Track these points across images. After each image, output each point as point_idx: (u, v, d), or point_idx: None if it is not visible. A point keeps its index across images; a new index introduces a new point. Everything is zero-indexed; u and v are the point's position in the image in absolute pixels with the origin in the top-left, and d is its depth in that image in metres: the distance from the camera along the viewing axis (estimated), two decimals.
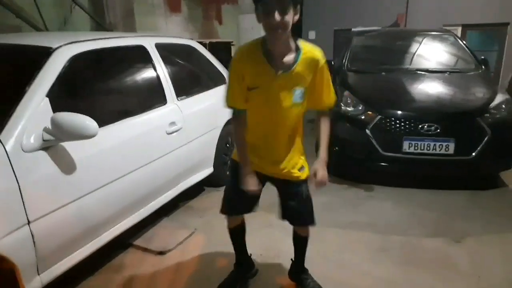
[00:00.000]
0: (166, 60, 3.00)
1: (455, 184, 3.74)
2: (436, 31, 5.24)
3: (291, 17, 1.55)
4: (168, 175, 2.84)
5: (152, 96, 2.84)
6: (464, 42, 4.98)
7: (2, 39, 2.50)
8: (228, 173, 2.05)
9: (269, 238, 2.79)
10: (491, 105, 3.66)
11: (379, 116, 3.66)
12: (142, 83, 2.85)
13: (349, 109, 3.90)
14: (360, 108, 3.83)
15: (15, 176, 1.70)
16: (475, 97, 3.89)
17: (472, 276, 2.40)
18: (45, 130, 1.85)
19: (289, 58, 1.67)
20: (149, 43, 2.95)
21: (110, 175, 2.24)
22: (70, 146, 1.96)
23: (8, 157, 1.69)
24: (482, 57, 4.65)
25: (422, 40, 4.96)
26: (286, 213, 2.01)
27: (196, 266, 2.52)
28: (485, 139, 3.48)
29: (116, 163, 2.30)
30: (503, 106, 3.68)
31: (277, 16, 1.51)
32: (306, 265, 2.25)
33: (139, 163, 2.48)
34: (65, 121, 1.82)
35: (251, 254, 2.36)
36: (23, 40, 2.46)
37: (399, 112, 3.64)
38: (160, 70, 2.91)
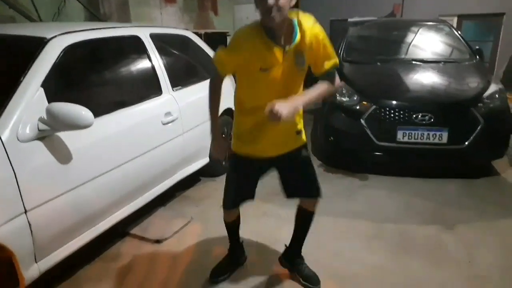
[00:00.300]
0: (161, 51, 3.00)
1: (448, 173, 3.79)
2: (431, 21, 5.24)
3: (285, 1, 1.56)
4: (164, 165, 2.86)
5: (147, 87, 2.85)
6: (459, 32, 4.99)
7: None
8: (227, 165, 2.08)
9: (264, 227, 2.83)
10: (484, 95, 3.69)
11: (374, 106, 3.68)
12: (137, 73, 2.85)
13: (344, 99, 3.92)
14: (355, 98, 3.85)
15: (11, 165, 1.71)
16: (469, 87, 3.92)
17: (463, 261, 2.46)
18: (40, 120, 1.86)
19: (289, 33, 1.70)
20: (144, 34, 2.94)
21: (106, 165, 2.26)
22: (65, 136, 1.98)
23: (4, 147, 1.71)
24: (477, 47, 4.66)
25: (417, 30, 4.96)
26: (290, 188, 2.02)
27: (192, 254, 2.56)
28: (478, 128, 3.52)
29: (112, 153, 2.32)
30: (496, 95, 3.72)
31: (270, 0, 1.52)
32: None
33: (135, 153, 2.49)
34: (60, 111, 1.83)
35: (242, 241, 2.40)
36: (18, 30, 2.45)
37: (394, 102, 3.66)
38: (155, 61, 2.91)
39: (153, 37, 3.00)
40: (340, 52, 4.78)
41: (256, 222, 2.86)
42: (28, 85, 1.90)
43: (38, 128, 1.85)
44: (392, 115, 3.62)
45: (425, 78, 4.00)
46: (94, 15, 5.98)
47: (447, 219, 2.99)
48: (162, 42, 3.11)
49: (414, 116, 3.55)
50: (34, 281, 1.88)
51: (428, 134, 3.54)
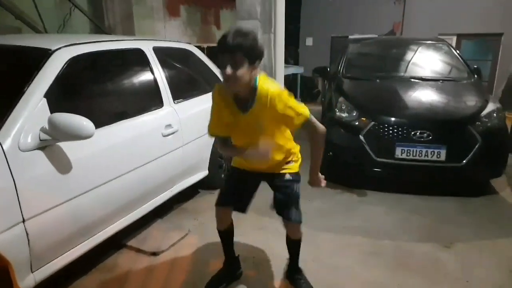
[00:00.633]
0: (163, 64, 3.05)
1: (446, 191, 3.79)
2: (430, 40, 5.32)
3: (244, 72, 1.66)
4: (163, 177, 2.87)
5: (149, 99, 2.88)
6: (458, 51, 5.06)
7: (2, 40, 2.53)
8: (226, 175, 2.16)
9: (261, 240, 2.82)
10: (482, 113, 3.72)
11: (373, 122, 3.71)
12: (139, 85, 2.89)
13: (343, 115, 3.96)
14: (354, 114, 3.88)
15: (12, 174, 1.73)
16: (467, 105, 3.95)
17: (461, 280, 2.45)
18: (42, 130, 1.88)
19: (247, 100, 1.81)
20: (147, 47, 2.99)
21: (105, 176, 2.27)
22: (66, 146, 2.00)
23: (5, 155, 1.72)
24: (475, 66, 4.73)
25: (416, 49, 5.04)
26: (275, 204, 2.09)
27: (188, 267, 2.55)
28: (476, 146, 3.54)
29: (112, 164, 2.33)
30: (494, 114, 3.75)
31: (228, 70, 1.64)
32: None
33: (135, 164, 2.51)
34: (62, 122, 1.85)
35: (238, 255, 2.40)
36: (23, 41, 2.50)
37: (392, 118, 3.69)
38: (158, 74, 2.95)
39: (156, 50, 3.05)
40: (340, 68, 4.85)
41: (254, 236, 2.86)
42: (31, 95, 1.93)
43: (39, 137, 1.87)
44: (390, 131, 3.64)
45: (424, 96, 4.04)
46: (99, 27, 6.08)
47: (445, 236, 2.98)
48: (165, 55, 3.16)
49: (412, 133, 3.58)
50: None
51: (427, 151, 3.56)
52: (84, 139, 1.92)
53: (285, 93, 1.80)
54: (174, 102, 3.03)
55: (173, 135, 2.89)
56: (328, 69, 5.54)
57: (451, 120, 3.70)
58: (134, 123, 2.58)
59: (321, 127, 1.92)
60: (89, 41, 2.51)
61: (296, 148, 2.09)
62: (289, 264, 2.30)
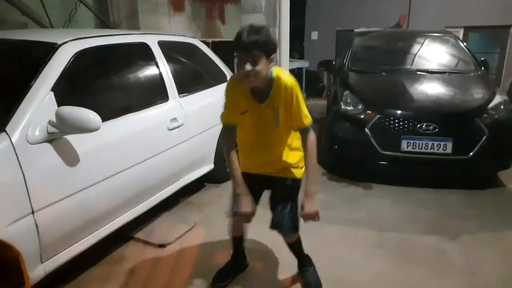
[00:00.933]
0: (168, 58, 3.06)
1: (453, 183, 3.77)
2: (437, 33, 5.28)
3: (262, 67, 1.71)
4: (169, 170, 2.89)
5: (154, 93, 2.89)
6: (465, 44, 5.02)
7: (10, 35, 2.56)
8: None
9: (266, 232, 2.82)
10: (489, 105, 3.69)
11: (378, 116, 3.70)
12: (144, 79, 2.91)
13: (348, 108, 3.95)
14: (359, 107, 3.87)
15: (21, 167, 1.76)
16: (474, 98, 3.93)
17: (466, 272, 2.45)
18: (50, 123, 1.91)
19: (264, 91, 1.85)
20: (152, 41, 3.00)
21: (112, 169, 2.30)
22: (73, 139, 2.02)
23: (14, 148, 1.75)
24: (482, 58, 4.68)
25: (422, 41, 5.00)
26: (273, 209, 2.08)
27: (195, 259, 2.58)
28: (483, 139, 3.52)
29: (118, 157, 2.36)
30: (501, 106, 3.72)
31: (248, 66, 1.68)
32: None
33: (141, 158, 2.53)
34: (69, 115, 1.87)
35: (244, 248, 2.42)
36: (30, 36, 2.52)
37: (398, 111, 3.68)
38: (163, 67, 2.97)
39: (161, 44, 3.06)
40: (346, 61, 4.83)
41: (258, 229, 2.85)
42: (38, 88, 1.95)
43: (47, 130, 1.89)
44: (396, 124, 3.63)
45: (430, 89, 4.01)
46: (104, 22, 6.10)
47: (450, 229, 2.98)
48: (170, 49, 3.17)
49: (418, 126, 3.56)
50: (39, 282, 1.91)
51: (433, 144, 3.54)
52: (91, 132, 1.95)
53: (299, 88, 1.86)
54: (180, 96, 3.04)
55: (179, 129, 2.91)
56: (334, 63, 5.52)
57: (457, 113, 3.68)
58: (140, 117, 2.60)
59: (312, 137, 1.93)
60: (95, 35, 2.53)
61: (302, 152, 2.05)
62: (297, 259, 2.33)
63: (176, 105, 2.97)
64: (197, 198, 3.50)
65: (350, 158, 3.97)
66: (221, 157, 3.62)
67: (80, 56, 2.25)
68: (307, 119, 1.89)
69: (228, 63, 3.85)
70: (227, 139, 2.04)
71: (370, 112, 3.78)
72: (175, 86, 3.01)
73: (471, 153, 3.54)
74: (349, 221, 3.10)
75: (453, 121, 3.61)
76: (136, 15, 6.53)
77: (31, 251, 1.83)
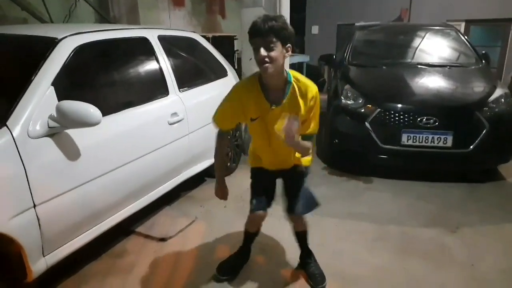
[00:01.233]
0: (168, 52, 3.05)
1: (453, 177, 3.78)
2: (438, 26, 5.25)
3: (278, 53, 1.68)
4: (169, 165, 2.90)
5: (154, 87, 2.89)
6: (465, 37, 4.99)
7: (10, 30, 2.56)
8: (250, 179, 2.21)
9: (268, 226, 2.83)
10: (490, 99, 3.69)
11: (379, 109, 3.70)
12: (144, 74, 2.90)
13: (349, 102, 3.94)
14: (360, 101, 3.87)
15: (22, 161, 1.76)
16: (474, 91, 3.92)
17: (466, 264, 2.46)
18: (50, 117, 1.91)
19: (280, 91, 1.82)
20: (152, 35, 3.00)
21: (112, 163, 2.31)
22: (74, 133, 2.03)
23: (15, 143, 1.76)
24: (483, 51, 4.66)
25: (423, 35, 4.97)
26: (286, 194, 2.15)
27: (196, 252, 2.59)
28: (483, 132, 3.52)
29: (119, 152, 2.37)
30: (502, 100, 3.71)
31: (262, 51, 1.66)
32: None
33: (141, 152, 2.54)
34: (70, 109, 1.88)
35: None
36: (30, 31, 2.52)
37: (399, 105, 3.67)
38: (163, 62, 2.96)
39: (161, 39, 3.06)
40: (346, 55, 4.81)
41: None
42: (39, 83, 1.95)
43: (48, 125, 1.90)
44: (397, 118, 3.63)
45: (430, 82, 4.00)
46: (104, 17, 6.08)
47: (451, 222, 2.98)
48: (170, 44, 3.16)
49: (418, 119, 3.56)
50: (41, 275, 1.93)
51: (433, 137, 3.54)
52: (92, 126, 1.95)
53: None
54: (180, 91, 3.04)
55: (179, 124, 2.91)
56: (334, 57, 5.50)
57: (458, 106, 3.67)
58: (140, 111, 2.60)
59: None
60: (94, 30, 2.53)
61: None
62: (301, 250, 2.35)
63: (177, 99, 2.97)
64: (198, 193, 3.51)
65: (351, 152, 3.97)
66: None
67: (80, 50, 2.25)
68: (317, 128, 1.92)
69: (228, 57, 3.84)
70: (220, 143, 2.09)
71: (370, 106, 3.77)
72: (175, 81, 3.01)
73: (471, 147, 3.54)
74: (350, 215, 3.11)
75: (453, 115, 3.61)
76: (136, 10, 6.50)
77: (33, 245, 1.84)
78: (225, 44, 7.30)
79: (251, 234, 2.32)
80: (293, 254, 2.42)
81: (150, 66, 2.91)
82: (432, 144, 3.55)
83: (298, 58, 9.03)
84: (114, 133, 2.34)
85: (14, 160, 1.74)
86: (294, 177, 2.10)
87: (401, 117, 3.61)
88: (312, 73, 9.63)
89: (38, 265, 1.89)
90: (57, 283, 2.25)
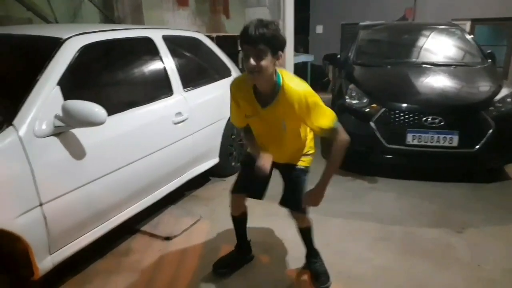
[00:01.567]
0: (173, 52, 3.07)
1: (458, 177, 3.76)
2: (443, 25, 5.22)
3: (268, 63, 1.66)
4: (174, 164, 2.91)
5: (159, 87, 2.91)
6: (471, 36, 4.96)
7: (15, 30, 2.58)
8: (241, 162, 2.25)
9: (272, 226, 2.85)
10: (495, 98, 3.66)
11: (383, 109, 3.68)
12: (149, 74, 2.92)
13: (353, 101, 3.93)
14: (364, 100, 3.86)
15: (28, 160, 1.78)
16: (480, 90, 3.90)
17: (471, 264, 2.45)
18: (56, 117, 1.92)
19: (269, 95, 1.81)
20: (157, 35, 3.01)
21: (117, 162, 2.32)
22: (80, 133, 2.04)
23: (21, 142, 1.77)
24: (489, 51, 4.64)
25: (428, 34, 4.95)
26: (284, 192, 2.16)
27: (200, 251, 2.60)
28: (489, 132, 3.49)
29: (124, 151, 2.38)
30: (508, 99, 3.68)
31: (252, 61, 1.65)
32: None
33: (146, 151, 2.55)
34: (75, 108, 1.89)
35: (250, 240, 2.44)
36: (35, 31, 2.53)
37: (404, 104, 3.66)
38: (167, 62, 2.97)
39: (166, 38, 3.07)
40: (351, 54, 4.80)
41: (265, 222, 2.89)
42: (45, 83, 1.97)
43: (54, 124, 1.91)
44: (401, 117, 3.61)
45: (436, 81, 3.98)
46: (109, 18, 6.11)
47: (456, 222, 2.97)
48: (174, 44, 3.17)
49: (424, 119, 3.54)
50: (47, 273, 1.94)
51: (438, 137, 3.52)
52: (97, 125, 1.96)
53: (312, 92, 1.80)
54: (184, 90, 3.05)
55: (183, 123, 2.92)
56: (339, 56, 5.49)
57: (463, 105, 3.65)
58: (145, 111, 2.61)
59: (343, 137, 1.89)
60: (99, 30, 2.54)
61: (313, 140, 2.15)
62: (306, 249, 2.35)
63: (181, 99, 2.98)
64: (203, 192, 3.52)
65: (355, 151, 3.94)
66: (225, 151, 3.64)
67: (85, 50, 2.26)
68: (329, 119, 1.82)
69: (232, 57, 3.85)
70: (245, 136, 2.13)
71: (375, 105, 3.76)
72: (179, 80, 3.02)
73: (477, 146, 3.51)
74: (354, 214, 3.10)
75: (459, 114, 3.58)
76: (140, 10, 6.52)
77: (39, 243, 1.86)
78: (229, 44, 7.31)
79: (234, 218, 2.31)
80: (297, 253, 2.42)
81: (155, 66, 2.93)
82: (438, 144, 3.53)
83: (303, 58, 9.02)
84: (119, 133, 2.35)
85: (20, 159, 1.76)
86: (291, 176, 2.10)
87: (406, 116, 3.60)
88: (317, 73, 9.63)
89: (44, 263, 1.90)
90: (62, 281, 2.27)
